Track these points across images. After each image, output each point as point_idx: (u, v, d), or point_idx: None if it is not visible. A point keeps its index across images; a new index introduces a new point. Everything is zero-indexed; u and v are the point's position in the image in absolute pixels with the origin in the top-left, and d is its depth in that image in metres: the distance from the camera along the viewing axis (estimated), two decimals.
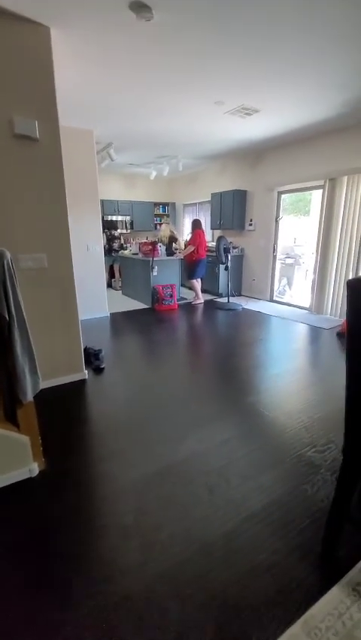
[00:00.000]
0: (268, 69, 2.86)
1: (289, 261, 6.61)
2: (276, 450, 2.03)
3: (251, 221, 6.21)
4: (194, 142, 5.23)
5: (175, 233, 6.99)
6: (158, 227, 8.38)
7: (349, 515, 1.30)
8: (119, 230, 7.64)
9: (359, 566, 1.30)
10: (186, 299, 6.15)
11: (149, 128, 4.52)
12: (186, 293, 6.53)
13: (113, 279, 7.44)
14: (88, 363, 3.18)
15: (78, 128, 4.35)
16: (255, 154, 5.87)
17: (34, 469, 1.81)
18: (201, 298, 6.03)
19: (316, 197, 5.98)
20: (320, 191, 4.93)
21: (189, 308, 5.72)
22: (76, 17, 2.17)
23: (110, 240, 7.18)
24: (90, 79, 3.06)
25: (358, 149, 4.32)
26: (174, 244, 6.38)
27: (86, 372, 3.05)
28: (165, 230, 6.80)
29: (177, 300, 5.74)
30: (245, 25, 2.24)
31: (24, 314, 1.62)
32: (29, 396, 1.69)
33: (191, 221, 6.08)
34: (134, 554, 1.39)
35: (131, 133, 4.73)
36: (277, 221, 5.82)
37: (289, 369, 3.25)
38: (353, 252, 4.58)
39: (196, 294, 5.99)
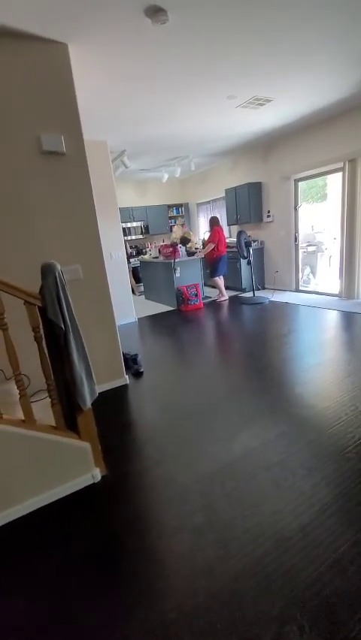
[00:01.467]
0: (280, 55, 2.82)
1: (311, 248, 6.48)
2: (335, 439, 1.97)
3: (269, 212, 6.12)
4: (206, 140, 5.22)
5: (190, 234, 7.01)
6: (173, 228, 8.40)
7: None
8: (124, 238, 7.69)
9: None
10: (210, 297, 6.12)
11: (162, 131, 4.54)
12: (209, 291, 6.50)
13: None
14: (127, 368, 3.22)
15: (93, 140, 4.42)
16: (266, 145, 5.79)
17: (96, 474, 1.84)
18: (226, 295, 5.99)
19: (332, 181, 5.84)
20: (338, 174, 4.81)
21: (215, 306, 5.69)
22: (92, 31, 2.21)
23: None
24: (103, 90, 3.11)
25: None
26: (187, 244, 6.37)
27: (127, 377, 3.09)
28: (176, 232, 6.84)
29: (202, 299, 5.73)
30: (256, 14, 2.21)
31: (77, 322, 1.65)
32: (88, 403, 1.72)
33: (207, 219, 6.06)
34: (212, 553, 1.38)
35: (145, 138, 4.78)
36: (296, 210, 5.71)
37: (330, 358, 3.16)
38: None
39: (220, 292, 5.96)
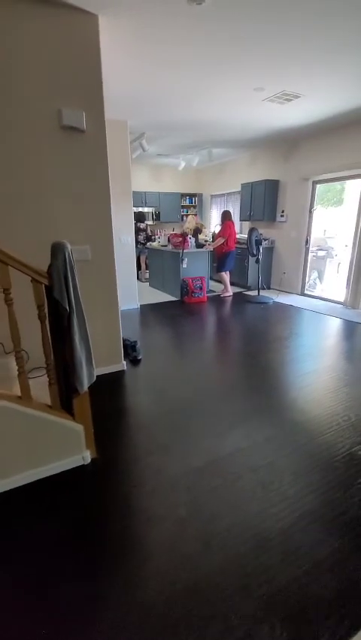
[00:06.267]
0: (315, 51, 2.72)
1: (321, 253, 6.41)
2: (324, 447, 1.99)
3: (283, 212, 6.04)
4: (228, 130, 5.11)
5: (202, 224, 6.92)
6: (184, 218, 8.31)
7: None
8: (146, 222, 7.62)
9: None
10: (214, 292, 6.10)
11: (184, 116, 4.44)
12: (213, 286, 6.47)
13: (139, 271, 7.46)
14: (125, 354, 3.22)
15: (113, 119, 4.32)
16: (289, 142, 5.67)
17: (87, 456, 1.86)
18: (230, 291, 5.96)
19: (350, 187, 5.74)
20: (357, 180, 4.73)
21: (218, 301, 5.67)
22: (125, 4, 2.13)
23: (137, 232, 7.18)
24: (128, 68, 3.02)
25: None
26: (199, 235, 6.31)
27: (124, 363, 3.09)
28: (190, 222, 6.73)
29: (207, 293, 5.70)
30: (293, 5, 2.13)
31: (82, 305, 1.64)
32: (85, 386, 1.72)
33: (220, 212, 5.98)
34: (193, 545, 1.40)
35: (166, 122, 4.67)
36: (310, 212, 5.63)
37: (327, 366, 3.17)
38: None
39: (225, 287, 5.93)
